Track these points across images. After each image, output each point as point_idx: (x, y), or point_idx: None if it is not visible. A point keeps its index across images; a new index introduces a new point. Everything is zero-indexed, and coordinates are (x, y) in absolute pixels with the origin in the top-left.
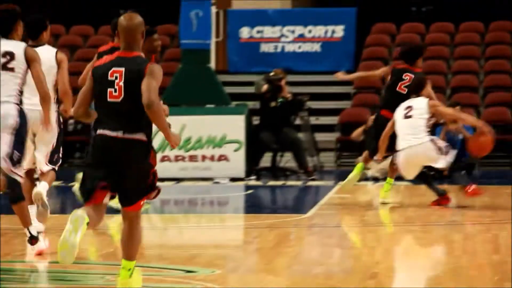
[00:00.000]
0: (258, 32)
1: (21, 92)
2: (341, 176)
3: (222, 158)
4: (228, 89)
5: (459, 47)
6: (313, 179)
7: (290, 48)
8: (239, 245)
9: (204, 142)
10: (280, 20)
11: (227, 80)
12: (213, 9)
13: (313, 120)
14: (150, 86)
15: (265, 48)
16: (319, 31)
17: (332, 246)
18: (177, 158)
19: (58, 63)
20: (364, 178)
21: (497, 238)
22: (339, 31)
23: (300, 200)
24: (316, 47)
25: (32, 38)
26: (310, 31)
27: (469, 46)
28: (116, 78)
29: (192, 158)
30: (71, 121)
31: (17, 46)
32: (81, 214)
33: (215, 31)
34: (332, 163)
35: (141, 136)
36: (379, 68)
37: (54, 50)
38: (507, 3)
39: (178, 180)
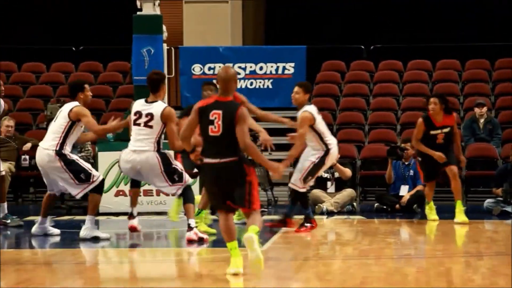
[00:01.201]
0: (210, 69)
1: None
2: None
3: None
4: None
5: (408, 85)
6: (264, 213)
7: (242, 84)
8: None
9: None
10: (232, 57)
11: None
12: (165, 46)
13: (267, 155)
14: (243, 132)
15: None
16: (270, 68)
17: (287, 279)
18: (146, 193)
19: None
20: (320, 212)
21: (450, 272)
22: (289, 68)
23: None
24: (267, 83)
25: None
26: (261, 68)
27: (417, 83)
28: (215, 118)
29: (147, 193)
30: (25, 156)
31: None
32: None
33: (167, 68)
34: (286, 198)
35: (234, 158)
36: (329, 104)
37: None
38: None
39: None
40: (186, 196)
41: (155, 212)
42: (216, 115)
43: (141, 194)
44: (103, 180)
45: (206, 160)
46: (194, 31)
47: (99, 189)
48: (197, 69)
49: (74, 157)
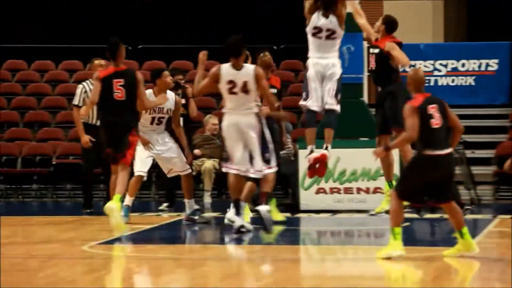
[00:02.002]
0: (411, 66)
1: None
2: (499, 209)
3: (377, 190)
4: None
5: None
6: (467, 212)
7: (443, 81)
8: (398, 277)
9: (359, 175)
10: (433, 54)
11: None
12: (365, 44)
13: (469, 154)
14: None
15: None
16: (472, 64)
17: (492, 280)
18: (332, 191)
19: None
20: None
21: None
22: (493, 64)
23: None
24: (469, 80)
25: None
26: (463, 65)
27: None
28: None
29: (347, 190)
30: None
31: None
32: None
33: (367, 65)
34: (490, 197)
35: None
36: None
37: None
38: None
39: (333, 212)
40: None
41: (355, 210)
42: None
43: (342, 191)
44: None
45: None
46: None
47: None
48: None
49: None
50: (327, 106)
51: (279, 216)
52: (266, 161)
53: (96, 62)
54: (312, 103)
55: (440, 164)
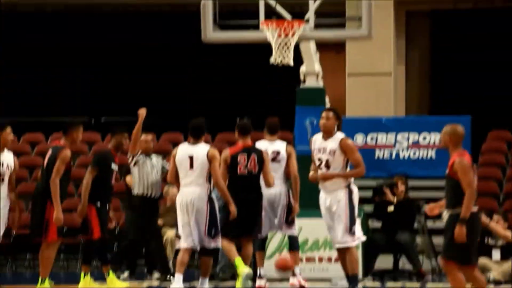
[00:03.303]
0: (372, 139)
1: None
2: None
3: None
4: None
5: None
6: (426, 281)
7: (405, 155)
8: None
9: (321, 244)
10: (394, 127)
11: None
12: None
13: (430, 224)
14: None
15: (380, 154)
16: (433, 137)
17: None
18: None
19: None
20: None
21: None
22: None
23: None
24: (431, 153)
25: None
26: (424, 138)
27: None
28: None
29: (309, 260)
30: None
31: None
32: None
33: None
34: None
35: None
36: (495, 175)
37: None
38: None
39: None
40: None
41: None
42: None
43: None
44: None
45: None
46: (356, 102)
47: None
48: (359, 138)
49: None
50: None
51: None
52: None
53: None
54: None
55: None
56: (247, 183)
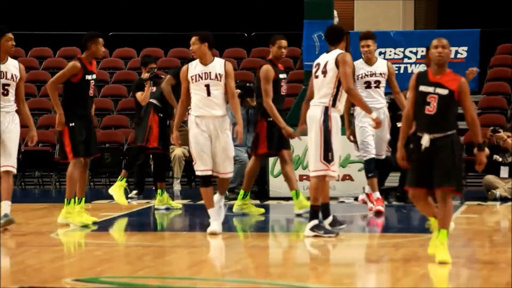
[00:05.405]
0: (381, 53)
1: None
2: (467, 196)
3: (347, 177)
4: None
5: None
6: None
7: (414, 69)
8: (365, 264)
9: None
10: (403, 41)
11: None
12: None
13: None
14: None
15: None
16: None
17: (459, 266)
18: (302, 178)
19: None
20: (493, 198)
21: None
22: (462, 52)
23: (426, 220)
24: None
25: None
26: None
27: None
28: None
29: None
30: None
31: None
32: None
33: None
34: None
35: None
36: (503, 88)
37: None
38: None
39: None
40: None
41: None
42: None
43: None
44: None
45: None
46: (365, 16)
47: None
48: None
49: None
50: None
51: (256, 210)
52: None
53: None
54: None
55: None
56: None
